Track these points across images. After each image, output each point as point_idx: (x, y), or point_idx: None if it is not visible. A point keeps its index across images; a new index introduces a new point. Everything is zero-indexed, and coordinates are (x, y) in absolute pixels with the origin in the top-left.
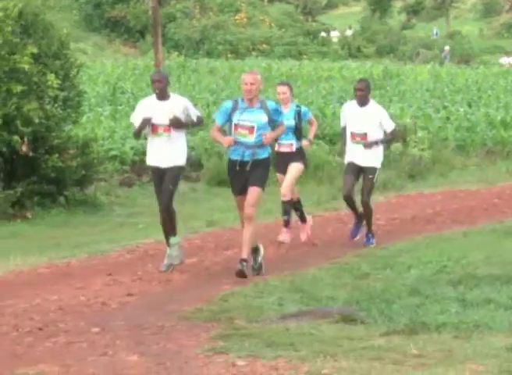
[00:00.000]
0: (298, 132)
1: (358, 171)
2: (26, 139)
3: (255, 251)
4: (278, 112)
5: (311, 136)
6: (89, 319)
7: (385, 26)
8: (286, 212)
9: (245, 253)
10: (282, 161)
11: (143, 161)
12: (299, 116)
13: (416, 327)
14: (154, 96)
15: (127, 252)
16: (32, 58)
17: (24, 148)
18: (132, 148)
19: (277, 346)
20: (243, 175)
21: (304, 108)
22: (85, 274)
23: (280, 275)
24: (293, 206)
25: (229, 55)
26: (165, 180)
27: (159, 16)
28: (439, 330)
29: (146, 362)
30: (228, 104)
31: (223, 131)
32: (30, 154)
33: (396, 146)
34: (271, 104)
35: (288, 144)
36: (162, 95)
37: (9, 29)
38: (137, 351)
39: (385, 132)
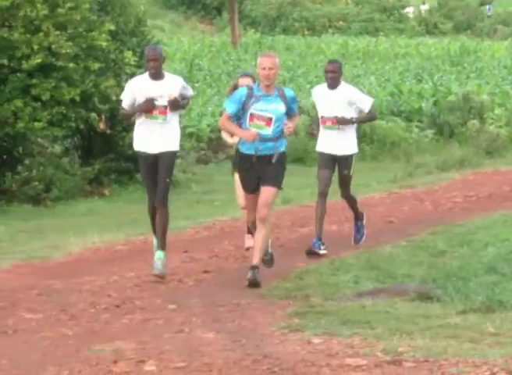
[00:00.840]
0: None
1: (333, 162)
2: (103, 116)
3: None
4: (295, 100)
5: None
6: (165, 297)
7: (462, 2)
8: None
9: (256, 258)
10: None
11: (219, 138)
12: None
13: (493, 305)
14: (146, 75)
15: (204, 229)
16: (109, 35)
17: (101, 126)
18: (208, 126)
19: (353, 324)
20: (257, 171)
21: None
22: None
23: (356, 252)
24: None
25: (305, 32)
26: (159, 171)
27: None
28: None
29: (222, 340)
30: (243, 91)
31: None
32: (108, 131)
33: (473, 123)
34: (289, 92)
35: None
36: (157, 75)
37: (87, 6)
38: (213, 329)
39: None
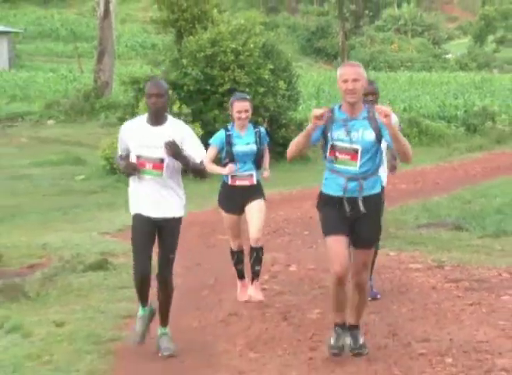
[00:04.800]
0: (259, 159)
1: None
2: (265, 120)
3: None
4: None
5: (266, 165)
6: (302, 227)
7: (482, 51)
8: (240, 261)
9: (354, 318)
10: (236, 197)
11: None
12: (260, 138)
13: (500, 233)
14: (143, 118)
15: None
16: (270, 71)
17: (265, 125)
18: None
19: (414, 244)
20: (347, 214)
21: (263, 129)
22: (300, 200)
23: (417, 201)
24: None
25: (387, 69)
26: (161, 245)
27: (346, 46)
28: None
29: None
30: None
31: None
32: (268, 129)
33: (489, 123)
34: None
35: (247, 176)
36: (158, 117)
37: (257, 54)
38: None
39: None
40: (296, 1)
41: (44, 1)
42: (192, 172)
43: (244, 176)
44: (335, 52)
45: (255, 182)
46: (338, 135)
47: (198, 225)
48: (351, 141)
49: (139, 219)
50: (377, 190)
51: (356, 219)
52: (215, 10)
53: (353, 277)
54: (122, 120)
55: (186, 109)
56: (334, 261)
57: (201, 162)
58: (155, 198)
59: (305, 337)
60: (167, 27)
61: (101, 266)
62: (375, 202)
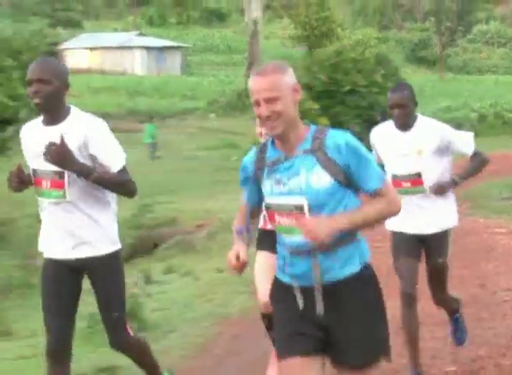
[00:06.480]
0: None
1: (418, 245)
2: (380, 113)
3: None
4: (358, 154)
5: None
6: None
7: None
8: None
9: None
10: (268, 238)
11: None
12: None
13: None
14: (41, 117)
15: None
16: (381, 76)
17: (378, 117)
18: None
19: (499, 213)
20: (306, 315)
21: None
22: None
23: (499, 179)
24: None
25: (477, 73)
26: (97, 299)
27: (443, 55)
28: None
29: None
30: (249, 158)
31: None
32: (381, 122)
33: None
34: (337, 138)
35: None
36: (48, 112)
37: (372, 62)
38: None
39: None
40: (403, 20)
41: (207, 23)
42: (105, 186)
43: None
44: (434, 60)
45: None
46: (271, 187)
47: None
48: (290, 192)
49: (49, 266)
50: (353, 269)
51: (330, 322)
52: (339, 28)
53: None
54: None
55: (315, 106)
56: None
57: (120, 172)
58: (66, 230)
59: None
60: (301, 42)
61: None
62: (359, 289)
